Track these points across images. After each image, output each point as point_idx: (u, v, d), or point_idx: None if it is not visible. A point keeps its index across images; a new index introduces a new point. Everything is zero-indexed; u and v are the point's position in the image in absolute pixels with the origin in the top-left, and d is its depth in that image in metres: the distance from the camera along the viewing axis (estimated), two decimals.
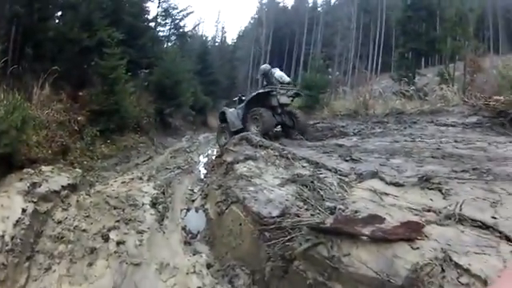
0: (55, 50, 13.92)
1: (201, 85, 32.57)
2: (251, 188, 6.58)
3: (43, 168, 8.41)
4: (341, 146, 9.99)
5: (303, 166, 7.57)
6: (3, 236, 5.33)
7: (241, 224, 5.94)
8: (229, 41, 76.77)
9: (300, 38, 65.98)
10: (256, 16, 75.24)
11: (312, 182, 6.10)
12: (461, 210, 4.08)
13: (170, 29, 28.86)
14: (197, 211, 8.33)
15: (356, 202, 5.03)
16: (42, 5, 13.36)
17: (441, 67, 25.88)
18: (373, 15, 59.40)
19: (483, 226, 3.75)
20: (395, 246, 3.57)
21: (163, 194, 8.82)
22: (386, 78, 36.55)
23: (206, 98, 33.01)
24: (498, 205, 4.23)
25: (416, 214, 4.28)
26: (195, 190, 9.78)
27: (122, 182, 9.41)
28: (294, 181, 6.43)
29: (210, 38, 70.17)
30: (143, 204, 7.85)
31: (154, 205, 7.94)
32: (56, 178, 8.14)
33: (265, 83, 13.22)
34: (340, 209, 4.85)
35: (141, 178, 10.08)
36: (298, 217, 4.93)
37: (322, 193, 5.60)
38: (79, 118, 12.16)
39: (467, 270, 3.08)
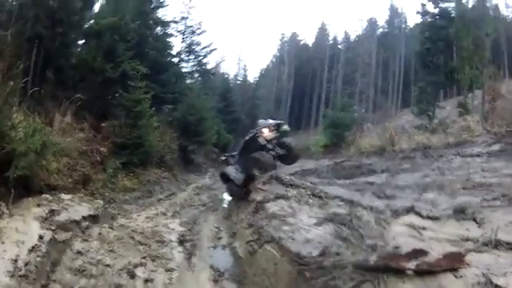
0: (77, 77, 13.81)
1: (223, 123, 32.57)
2: (286, 227, 6.45)
3: (63, 196, 8.18)
4: (371, 183, 9.85)
5: (338, 205, 7.48)
6: (16, 260, 5.11)
7: (276, 263, 5.72)
8: (250, 79, 77.21)
9: (321, 75, 66.08)
10: (277, 54, 76.34)
11: (350, 220, 5.98)
12: (496, 235, 4.25)
13: (193, 65, 28.93)
14: (223, 249, 8.01)
15: (395, 238, 4.92)
16: (65, 29, 13.13)
17: (460, 98, 25.98)
18: (392, 50, 59.74)
19: None
20: (440, 277, 3.65)
21: (190, 231, 8.55)
22: (407, 113, 36.64)
23: (228, 136, 32.90)
24: None
25: (455, 245, 4.38)
26: (221, 228, 9.42)
27: (147, 217, 9.20)
28: (331, 220, 6.33)
29: (231, 76, 70.73)
30: (170, 241, 7.60)
31: (181, 242, 7.67)
32: (76, 208, 7.90)
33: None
34: (381, 245, 4.73)
35: (165, 214, 9.91)
36: (339, 255, 4.82)
37: (360, 231, 5.49)
38: (102, 149, 12.07)
39: None
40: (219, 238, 8.63)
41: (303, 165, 16.71)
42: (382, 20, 68.17)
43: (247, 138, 11.79)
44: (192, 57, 28.40)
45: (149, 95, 14.10)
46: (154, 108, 14.75)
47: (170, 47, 24.83)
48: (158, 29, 23.36)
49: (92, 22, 15.18)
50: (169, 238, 7.72)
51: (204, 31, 28.50)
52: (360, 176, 11.83)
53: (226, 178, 11.92)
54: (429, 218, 5.59)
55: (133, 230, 7.84)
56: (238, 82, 69.74)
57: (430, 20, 31.27)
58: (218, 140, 26.25)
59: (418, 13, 32.94)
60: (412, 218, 5.68)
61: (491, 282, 3.36)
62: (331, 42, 71.77)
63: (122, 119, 13.51)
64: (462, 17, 25.34)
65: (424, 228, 5.22)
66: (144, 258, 6.67)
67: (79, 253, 6.48)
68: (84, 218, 7.63)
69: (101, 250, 6.76)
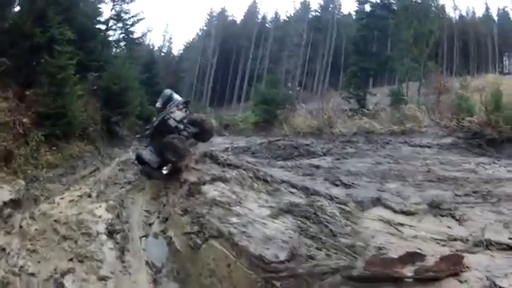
0: (8, 43, 12.57)
1: (146, 94, 31.39)
2: (234, 219, 5.77)
3: None
4: (317, 167, 9.45)
5: (291, 192, 6.84)
6: None
7: (229, 265, 5.06)
8: (175, 52, 76.93)
9: (247, 52, 66.54)
10: (204, 28, 75.89)
11: (314, 213, 5.49)
12: (484, 235, 4.28)
13: (120, 34, 27.63)
14: (156, 237, 7.16)
15: (375, 237, 4.70)
16: None
17: (392, 87, 28.54)
18: (322, 34, 60.55)
19: (507, 247, 4.05)
20: (444, 283, 3.50)
21: (118, 218, 7.53)
22: (334, 96, 37.11)
23: (151, 107, 31.42)
24: (510, 225, 4.57)
25: (443, 245, 4.31)
26: (151, 211, 8.46)
27: (70, 201, 8.04)
28: (289, 211, 5.78)
29: (156, 48, 69.43)
30: (98, 233, 6.61)
31: (110, 234, 6.72)
32: None
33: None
34: (360, 246, 4.46)
35: (90, 196, 8.75)
36: (313, 259, 4.36)
37: (330, 226, 5.08)
38: (24, 120, 10.65)
39: None
40: (150, 225, 7.73)
41: (233, 142, 16.78)
42: (315, 4, 70.32)
43: (156, 122, 11.40)
44: (120, 25, 27.12)
45: (74, 61, 12.93)
46: (78, 76, 13.60)
47: (100, 14, 23.51)
48: None
49: None
50: (96, 228, 6.75)
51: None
52: (300, 157, 11.66)
53: (141, 161, 11.44)
54: (403, 212, 5.35)
55: (56, 220, 6.77)
56: (163, 54, 69.02)
57: (369, 9, 33.07)
58: (141, 112, 25.29)
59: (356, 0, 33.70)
60: (382, 212, 5.46)
61: (495, 285, 3.29)
62: (260, 20, 72.53)
63: (46, 87, 12.22)
64: (404, 10, 26.26)
65: (401, 224, 4.98)
66: (71, 259, 5.76)
67: (3, 250, 5.63)
68: (5, 204, 6.63)
69: (22, 252, 5.80)
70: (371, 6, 33.59)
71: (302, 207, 5.76)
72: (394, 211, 5.38)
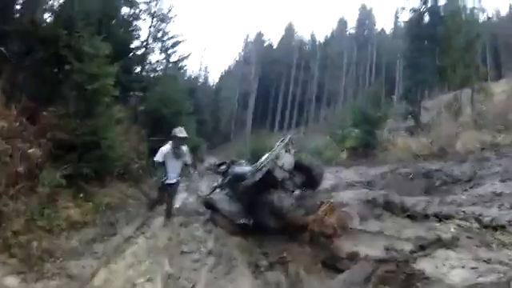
0: (23, 49, 9.79)
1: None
2: None
3: None
4: (499, 195, 7.45)
5: None
6: None
7: None
8: (210, 81, 78.06)
9: (288, 76, 65.89)
10: (242, 53, 75.74)
11: None
12: None
13: (160, 54, 25.24)
14: None
15: None
16: None
17: (444, 96, 28.15)
18: (363, 51, 60.71)
19: None
20: None
21: None
22: None
23: (197, 138, 27.70)
24: None
25: None
26: None
27: None
28: None
29: (193, 77, 69.33)
30: None
31: None
32: None
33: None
34: None
35: None
36: None
37: None
38: (31, 151, 6.91)
39: None
40: None
41: (337, 174, 13.87)
42: (351, 22, 69.94)
43: (259, 175, 8.40)
44: (159, 45, 24.42)
45: (114, 69, 9.43)
46: (116, 96, 10.24)
47: (138, 29, 20.40)
48: (126, 9, 19.15)
49: None
50: None
51: (175, 15, 24.47)
52: (447, 187, 9.47)
53: (213, 208, 9.34)
54: None
55: None
56: (199, 84, 69.04)
57: (415, 17, 31.09)
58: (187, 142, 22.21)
59: (402, 9, 33.37)
60: None
61: None
62: (298, 44, 71.85)
63: (71, 104, 8.81)
64: (453, 16, 25.52)
65: None
66: None
67: None
68: None
69: None
70: (418, 15, 31.30)
71: None
72: None
